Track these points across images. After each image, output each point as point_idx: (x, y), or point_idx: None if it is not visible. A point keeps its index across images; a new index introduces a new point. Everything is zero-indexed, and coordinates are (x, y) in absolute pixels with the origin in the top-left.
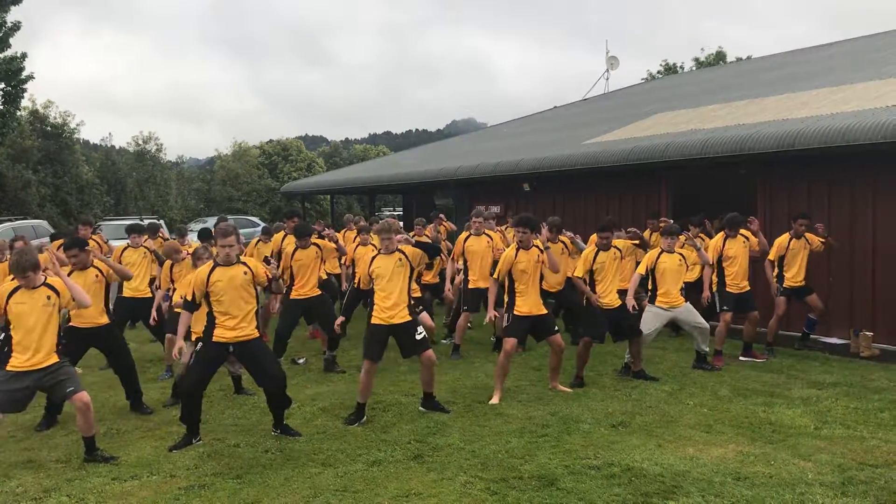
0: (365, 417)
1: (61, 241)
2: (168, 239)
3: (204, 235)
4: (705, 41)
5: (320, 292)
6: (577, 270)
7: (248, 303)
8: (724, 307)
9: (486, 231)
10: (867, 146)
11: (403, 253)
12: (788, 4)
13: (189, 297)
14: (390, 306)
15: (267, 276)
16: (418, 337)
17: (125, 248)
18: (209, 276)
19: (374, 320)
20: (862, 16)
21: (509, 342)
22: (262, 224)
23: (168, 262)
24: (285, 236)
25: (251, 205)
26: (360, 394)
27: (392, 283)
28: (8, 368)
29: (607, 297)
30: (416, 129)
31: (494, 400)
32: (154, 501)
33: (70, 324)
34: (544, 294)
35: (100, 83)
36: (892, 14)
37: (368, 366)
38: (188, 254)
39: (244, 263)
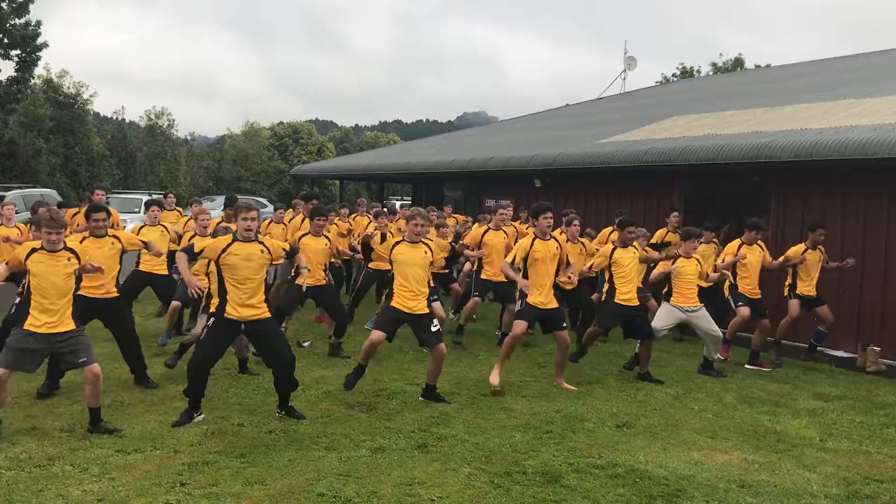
0: (366, 373)
1: (75, 209)
2: (181, 210)
3: (230, 202)
4: (718, 46)
5: (326, 282)
6: (592, 264)
7: (260, 283)
8: (740, 303)
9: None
10: (884, 161)
11: (429, 247)
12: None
13: (195, 250)
14: (410, 296)
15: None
16: (434, 329)
17: (143, 226)
18: (226, 247)
19: (394, 303)
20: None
21: (520, 325)
22: (270, 205)
23: (187, 236)
24: (303, 220)
25: (260, 185)
26: (362, 355)
27: (412, 272)
28: (25, 327)
29: (627, 294)
30: (427, 120)
31: (493, 379)
32: (157, 475)
33: (79, 292)
34: (558, 290)
35: (113, 57)
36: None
37: (376, 337)
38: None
39: (261, 243)
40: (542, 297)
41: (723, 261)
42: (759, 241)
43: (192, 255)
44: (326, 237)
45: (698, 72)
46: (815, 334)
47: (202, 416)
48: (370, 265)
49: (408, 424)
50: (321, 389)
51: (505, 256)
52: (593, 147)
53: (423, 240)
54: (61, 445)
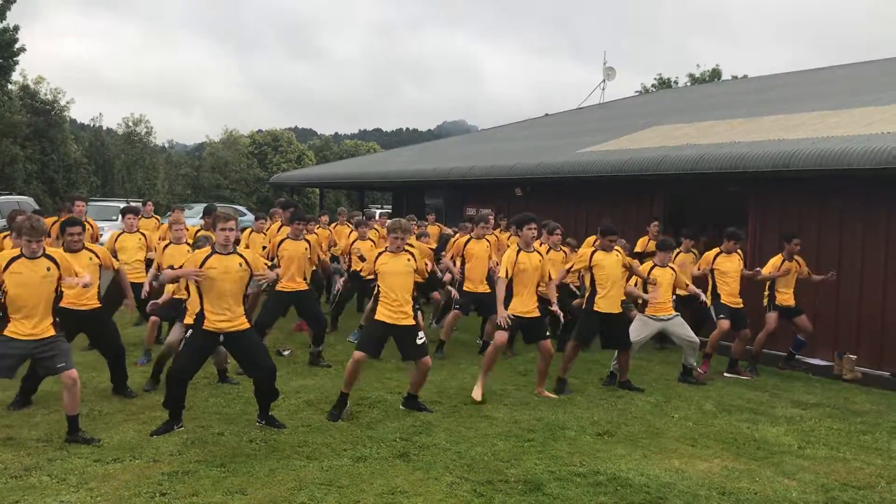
0: (348, 408)
1: (54, 219)
2: (160, 220)
3: (209, 211)
4: (695, 58)
5: (307, 287)
6: (571, 267)
7: (239, 295)
8: (721, 315)
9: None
10: (860, 171)
11: (412, 255)
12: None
13: (179, 274)
14: (395, 307)
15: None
16: (419, 342)
17: (120, 233)
18: (204, 261)
19: (378, 316)
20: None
21: (500, 336)
22: (249, 213)
23: (164, 243)
24: (280, 227)
25: (239, 193)
26: (345, 383)
27: (397, 282)
28: (5, 333)
29: (607, 301)
30: (407, 128)
31: (476, 393)
32: (137, 485)
33: (61, 304)
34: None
35: (91, 64)
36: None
37: (360, 357)
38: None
39: (240, 255)
40: (523, 306)
41: (699, 269)
42: (738, 251)
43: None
44: (307, 241)
45: (676, 82)
46: (795, 343)
47: (182, 425)
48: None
49: (389, 433)
50: (302, 398)
51: (490, 264)
52: (573, 156)
53: (405, 247)
54: (38, 456)
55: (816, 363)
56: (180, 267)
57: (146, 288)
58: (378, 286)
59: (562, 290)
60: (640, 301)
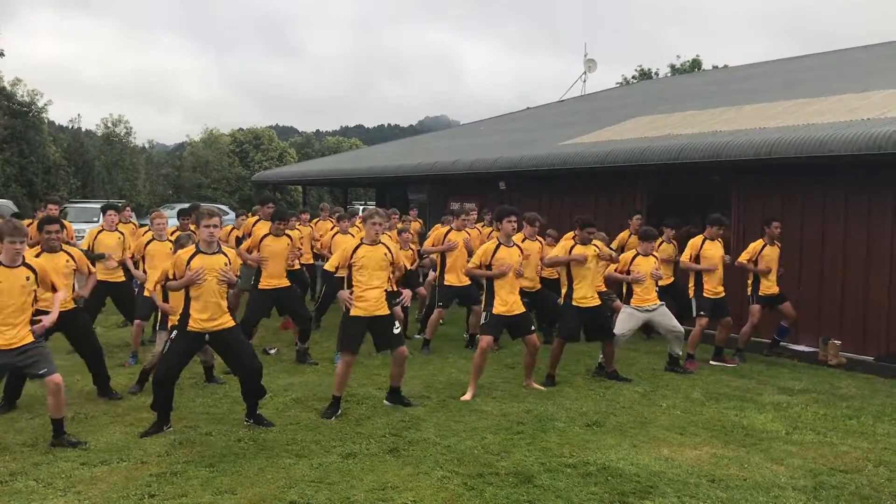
0: (340, 411)
1: (31, 220)
2: (137, 225)
3: (183, 213)
4: (674, 49)
5: (290, 284)
6: (546, 258)
7: (223, 293)
8: (702, 312)
9: (467, 229)
10: (841, 157)
11: (389, 249)
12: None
13: (171, 276)
14: (370, 298)
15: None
16: (395, 331)
17: (100, 231)
18: (189, 261)
19: (353, 312)
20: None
21: (485, 339)
22: (231, 212)
23: (143, 240)
24: (258, 220)
25: (220, 193)
26: (337, 387)
27: (374, 274)
28: None
29: (584, 295)
30: (389, 124)
31: (467, 396)
32: (125, 487)
33: (36, 306)
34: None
35: (69, 65)
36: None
37: (349, 358)
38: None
39: (224, 254)
40: (505, 305)
41: (689, 258)
42: (720, 238)
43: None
44: (288, 236)
45: (657, 73)
46: (778, 330)
47: (171, 426)
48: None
49: (378, 429)
50: (289, 396)
51: (468, 259)
52: (556, 148)
53: (381, 240)
54: (24, 460)
55: (801, 349)
56: (173, 275)
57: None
58: (350, 278)
59: (547, 284)
60: (623, 290)
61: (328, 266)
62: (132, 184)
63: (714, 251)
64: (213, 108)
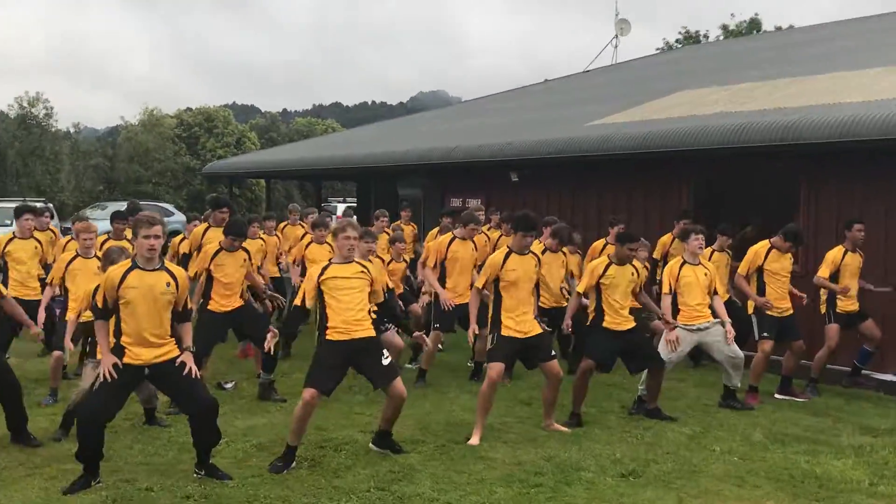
0: (294, 464)
1: None
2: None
3: (118, 216)
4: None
5: (244, 303)
6: (580, 285)
7: (166, 318)
8: (765, 333)
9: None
10: None
11: (366, 268)
12: None
13: (101, 304)
14: (349, 320)
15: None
16: (385, 362)
17: (11, 239)
18: (123, 278)
19: (329, 335)
20: None
21: (495, 368)
22: (177, 212)
23: (66, 257)
24: (207, 229)
25: (164, 188)
26: (292, 433)
27: (350, 295)
28: None
29: (618, 319)
30: (373, 102)
31: (474, 440)
32: None
33: None
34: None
35: None
36: None
37: (310, 397)
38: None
39: (169, 272)
40: (520, 323)
41: (747, 269)
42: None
43: (104, 314)
44: (245, 250)
45: (706, 37)
46: (860, 354)
47: (100, 481)
48: None
49: (361, 482)
50: (250, 442)
51: (475, 269)
52: (581, 131)
53: (356, 260)
54: None
55: (889, 379)
56: (103, 300)
57: (41, 313)
58: (323, 303)
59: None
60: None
61: (298, 300)
62: (53, 178)
63: (779, 264)
64: (154, 84)
